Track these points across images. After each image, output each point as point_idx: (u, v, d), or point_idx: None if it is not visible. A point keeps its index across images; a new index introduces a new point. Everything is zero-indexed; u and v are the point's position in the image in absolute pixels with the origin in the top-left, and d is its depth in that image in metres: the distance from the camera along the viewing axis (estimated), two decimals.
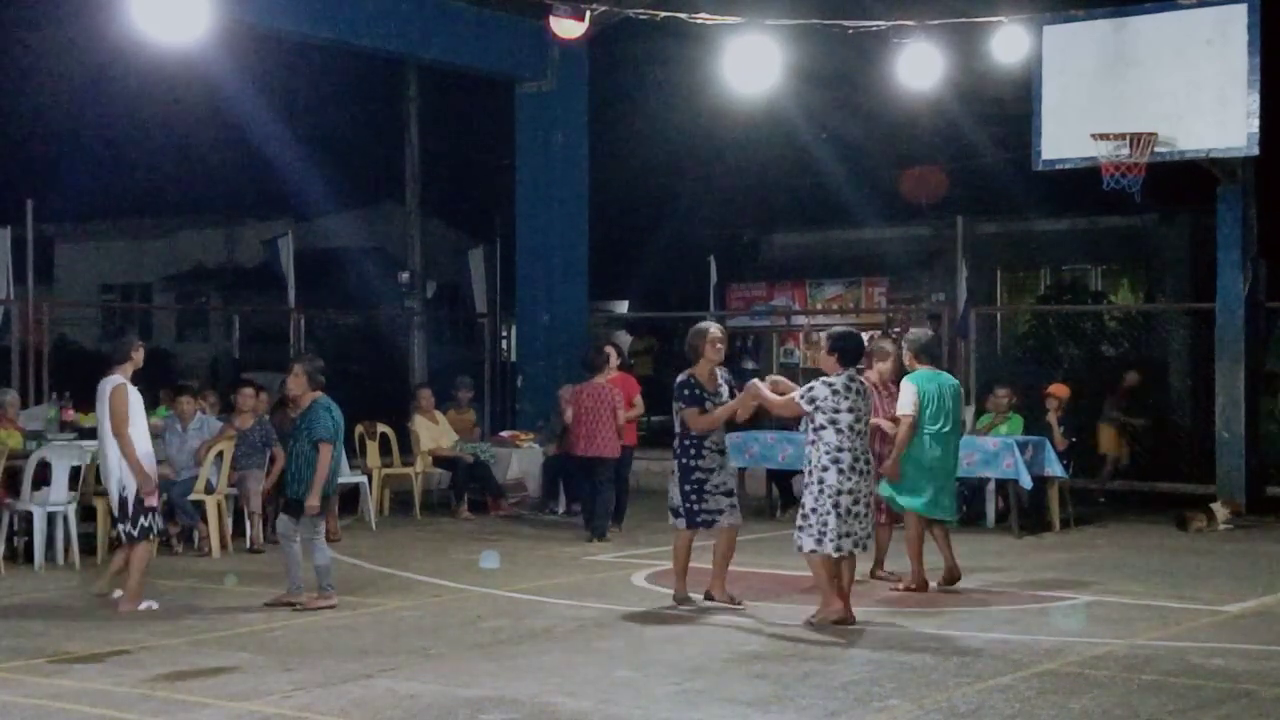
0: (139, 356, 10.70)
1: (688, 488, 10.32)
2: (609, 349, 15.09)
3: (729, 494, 10.40)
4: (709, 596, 10.51)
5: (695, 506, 10.32)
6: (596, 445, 14.14)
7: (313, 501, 10.35)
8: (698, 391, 10.34)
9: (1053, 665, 8.61)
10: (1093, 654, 8.93)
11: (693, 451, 10.33)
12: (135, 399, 10.48)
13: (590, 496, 14.29)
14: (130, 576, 10.52)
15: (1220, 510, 14.95)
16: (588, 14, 15.27)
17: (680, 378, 10.51)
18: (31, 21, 28.03)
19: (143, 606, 10.41)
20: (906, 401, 10.96)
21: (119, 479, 10.46)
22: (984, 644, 9.24)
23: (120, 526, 10.58)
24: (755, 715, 7.54)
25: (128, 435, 10.34)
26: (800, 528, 9.77)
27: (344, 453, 11.16)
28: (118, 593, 10.67)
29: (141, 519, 10.49)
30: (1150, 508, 16.15)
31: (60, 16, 25.57)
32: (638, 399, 15.01)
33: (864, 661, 8.71)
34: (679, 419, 10.43)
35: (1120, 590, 11.28)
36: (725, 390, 10.45)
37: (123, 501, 10.47)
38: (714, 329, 10.55)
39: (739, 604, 10.40)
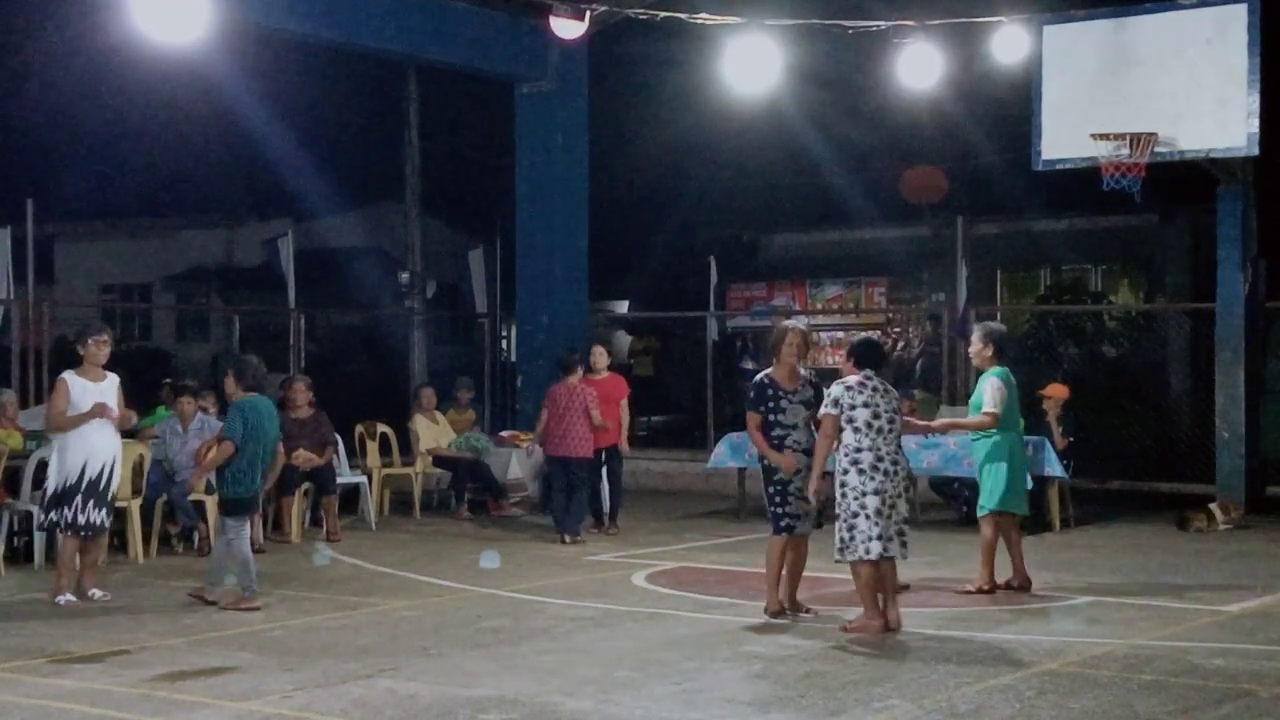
0: (90, 351, 10.77)
1: (771, 490, 9.97)
2: (596, 349, 15.11)
3: (809, 499, 9.94)
4: (766, 610, 10.15)
5: (779, 510, 9.95)
6: (569, 445, 14.12)
7: (193, 480, 11.70)
8: (769, 392, 9.96)
9: (1053, 665, 8.61)
10: (1093, 654, 8.94)
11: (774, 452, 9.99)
12: (76, 389, 10.67)
13: (564, 496, 14.26)
14: (57, 567, 10.90)
15: (1217, 512, 14.94)
16: (588, 14, 15.27)
17: (756, 377, 10.21)
18: (32, 22, 28.02)
19: (59, 600, 10.61)
20: (993, 399, 10.98)
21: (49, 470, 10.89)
22: (984, 644, 9.25)
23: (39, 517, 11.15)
24: (755, 715, 7.55)
25: (56, 427, 10.74)
26: (838, 535, 9.63)
27: (271, 457, 11.05)
28: (94, 591, 10.82)
29: (51, 512, 10.72)
30: (1150, 508, 16.15)
31: (60, 16, 25.58)
32: (623, 403, 15.02)
33: (864, 661, 8.71)
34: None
35: (1120, 590, 11.28)
36: (808, 390, 10.01)
37: (43, 492, 10.93)
38: (794, 329, 10.15)
39: (809, 612, 10.09)
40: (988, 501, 11.18)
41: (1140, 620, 10.06)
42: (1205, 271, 18.60)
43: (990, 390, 11.06)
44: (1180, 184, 18.03)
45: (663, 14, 15.49)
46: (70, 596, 10.64)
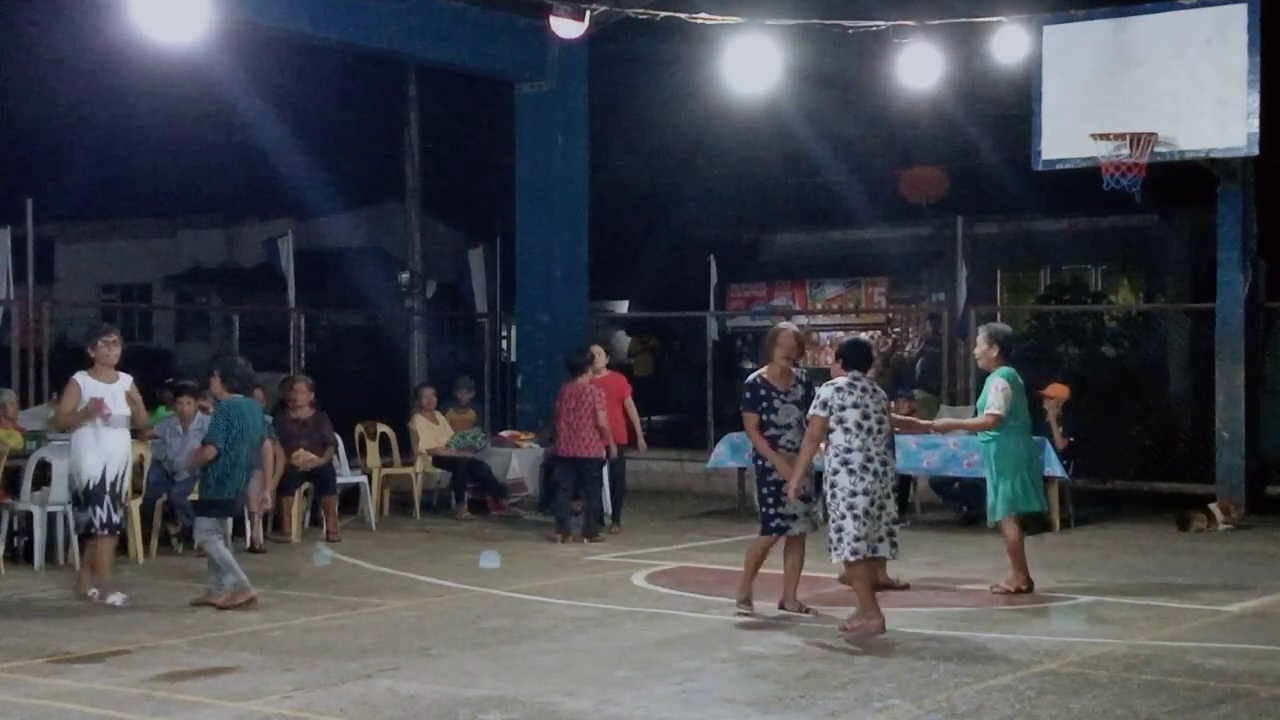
0: (101, 352, 10.76)
1: (765, 490, 10.07)
2: (595, 349, 15.09)
3: (805, 499, 9.99)
4: (781, 606, 10.24)
5: (771, 510, 10.04)
6: (578, 445, 14.13)
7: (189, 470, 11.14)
8: (762, 393, 10.09)
9: (1053, 665, 8.61)
10: (1093, 654, 8.94)
11: None
12: (88, 391, 10.65)
13: (566, 496, 14.26)
14: (98, 573, 10.85)
15: (1217, 512, 14.94)
16: (588, 14, 15.27)
17: (749, 378, 10.35)
18: (32, 21, 28.00)
19: (109, 600, 10.59)
20: (997, 400, 10.97)
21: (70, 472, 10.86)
22: (984, 644, 9.25)
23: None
24: (755, 715, 7.55)
25: (63, 427, 10.80)
26: (829, 535, 9.66)
27: (254, 459, 11.08)
28: (93, 591, 10.79)
29: (84, 513, 10.73)
30: (1150, 508, 16.15)
31: (60, 16, 25.55)
32: (628, 401, 15.02)
33: (864, 661, 8.71)
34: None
35: (1120, 590, 11.28)
36: (800, 390, 10.13)
37: (73, 494, 10.87)
38: (789, 331, 10.32)
39: (808, 612, 10.13)
40: (1006, 506, 11.11)
41: (1140, 620, 10.06)
42: (1205, 271, 18.59)
43: (995, 391, 11.05)
44: (1180, 184, 18.02)
45: (663, 14, 15.49)
46: (122, 595, 10.64)
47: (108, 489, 10.69)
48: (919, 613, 10.34)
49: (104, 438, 10.70)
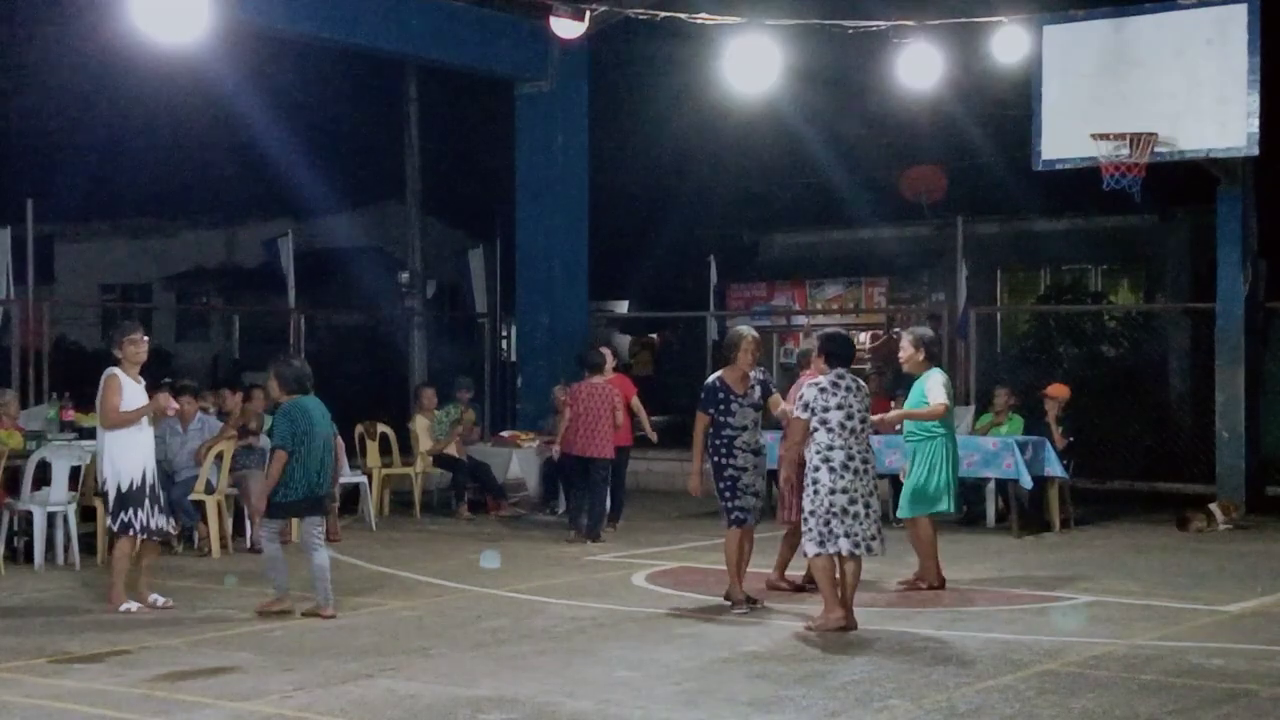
0: (129, 350, 10.45)
1: (722, 485, 10.39)
2: (605, 350, 15.08)
3: (759, 495, 10.47)
4: (727, 597, 10.49)
5: (730, 504, 10.37)
6: (594, 445, 14.13)
7: (257, 504, 10.72)
8: (720, 395, 10.40)
9: (1053, 665, 8.61)
10: (1093, 654, 8.94)
11: (724, 450, 10.38)
12: (127, 387, 10.38)
13: (582, 497, 14.27)
14: (111, 575, 10.56)
15: (1217, 512, 14.94)
16: (588, 14, 15.28)
17: (709, 380, 10.64)
18: (31, 21, 28.02)
19: (122, 608, 10.34)
20: (938, 391, 11.10)
21: (103, 472, 10.45)
22: (984, 644, 9.25)
23: (107, 521, 10.64)
24: (755, 715, 7.55)
25: (116, 424, 10.32)
26: (804, 532, 9.73)
27: (332, 455, 10.73)
28: (156, 597, 10.58)
29: (121, 514, 10.37)
30: (1150, 508, 16.16)
31: (60, 16, 25.56)
32: (635, 401, 15.01)
33: (864, 661, 8.71)
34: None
35: (1120, 590, 11.28)
36: (757, 392, 10.48)
37: (105, 495, 10.50)
38: (747, 336, 10.54)
39: (755, 603, 10.39)
40: (919, 505, 11.22)
41: (1140, 620, 10.06)
42: (1205, 271, 18.59)
43: (932, 383, 11.18)
44: (1180, 184, 18.04)
45: (663, 14, 15.50)
46: (136, 604, 10.41)
47: (146, 493, 10.43)
48: (919, 613, 10.34)
49: (143, 439, 10.46)
